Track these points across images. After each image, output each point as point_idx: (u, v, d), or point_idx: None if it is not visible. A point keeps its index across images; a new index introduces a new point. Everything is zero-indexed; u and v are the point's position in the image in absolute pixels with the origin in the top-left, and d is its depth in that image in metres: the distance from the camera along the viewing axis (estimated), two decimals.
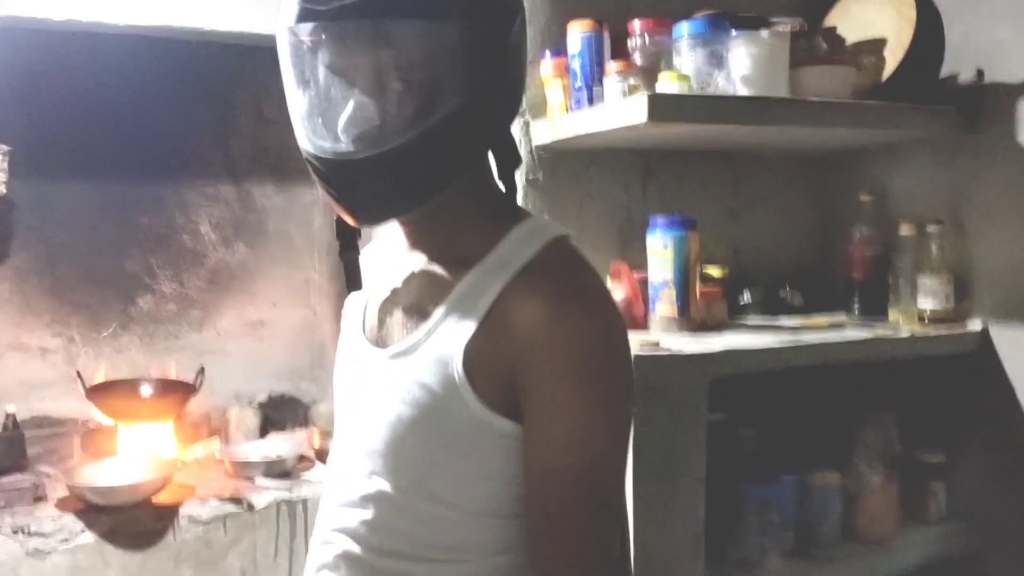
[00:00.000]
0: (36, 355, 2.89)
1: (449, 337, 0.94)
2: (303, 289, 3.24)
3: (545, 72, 1.87)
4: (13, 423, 2.63)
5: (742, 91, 1.70)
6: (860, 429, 1.87)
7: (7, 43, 2.49)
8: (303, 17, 0.90)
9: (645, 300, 1.81)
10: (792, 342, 1.67)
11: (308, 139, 0.94)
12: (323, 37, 0.90)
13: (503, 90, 0.95)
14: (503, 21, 0.92)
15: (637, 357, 1.52)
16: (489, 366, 0.91)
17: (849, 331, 1.81)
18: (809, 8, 2.07)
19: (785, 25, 1.84)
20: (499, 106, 0.96)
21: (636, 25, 1.80)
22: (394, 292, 1.06)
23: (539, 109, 1.90)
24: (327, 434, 2.50)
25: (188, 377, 2.85)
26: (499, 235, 0.97)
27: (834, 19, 2.07)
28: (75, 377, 2.76)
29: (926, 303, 1.89)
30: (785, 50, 1.73)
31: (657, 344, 1.59)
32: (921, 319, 1.89)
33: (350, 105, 0.90)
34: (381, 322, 1.05)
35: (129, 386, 2.72)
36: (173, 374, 2.90)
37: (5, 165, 2.54)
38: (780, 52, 1.72)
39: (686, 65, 1.74)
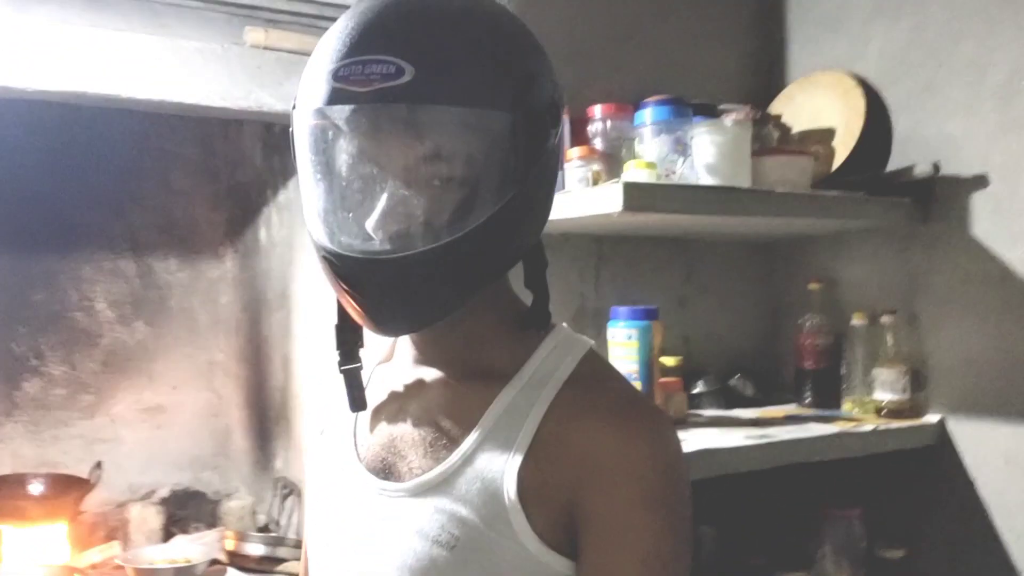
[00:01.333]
0: None
1: (494, 464, 0.83)
2: (207, 371, 3.06)
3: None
4: None
5: (706, 179, 1.67)
6: (824, 526, 1.83)
7: None
8: (336, 99, 0.78)
9: None
10: (761, 440, 1.62)
11: (329, 235, 0.83)
12: (359, 123, 0.79)
13: (546, 188, 0.88)
14: (552, 113, 0.84)
15: None
16: (545, 495, 0.82)
17: (813, 425, 1.77)
18: (753, 95, 2.08)
19: (742, 113, 1.84)
20: (540, 206, 0.88)
21: (597, 110, 1.76)
22: (402, 412, 0.92)
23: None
24: (241, 536, 2.31)
25: (81, 470, 2.62)
26: (530, 346, 0.89)
27: (779, 107, 2.08)
28: None
29: (882, 394, 1.88)
30: (747, 139, 1.71)
31: None
32: (878, 411, 1.88)
33: (384, 199, 0.80)
34: (387, 447, 0.92)
35: (16, 482, 2.48)
36: (65, 468, 2.67)
37: None
38: (742, 140, 1.70)
39: (649, 152, 1.70)
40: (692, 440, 1.60)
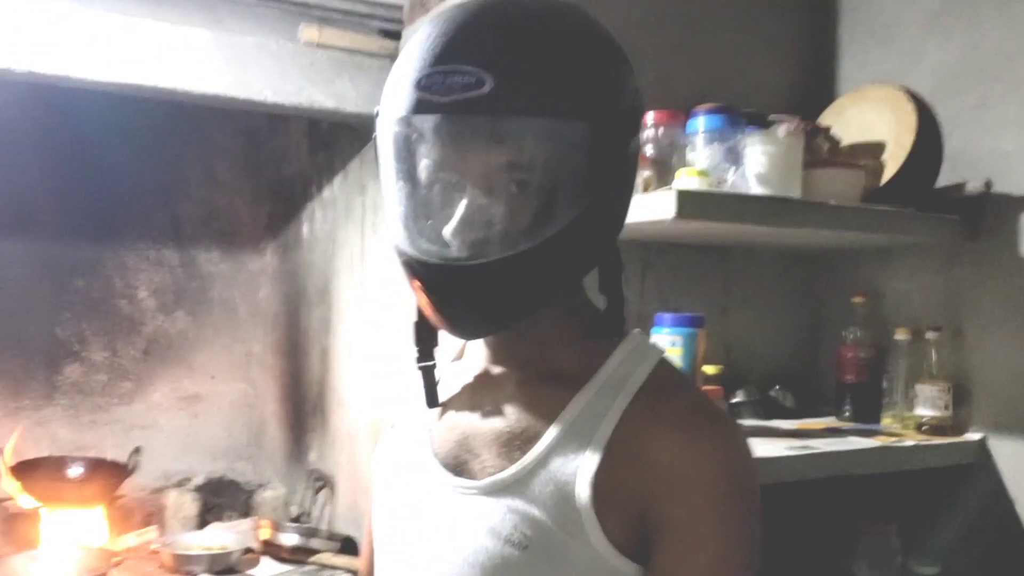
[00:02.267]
0: None
1: (568, 467, 0.83)
2: (244, 362, 3.08)
3: None
4: None
5: (756, 189, 1.67)
6: (860, 540, 1.81)
7: None
8: (418, 108, 0.80)
9: None
10: (803, 451, 1.61)
11: (410, 241, 0.84)
12: (439, 132, 0.80)
13: (623, 195, 0.89)
14: (631, 120, 0.86)
15: None
16: (619, 500, 0.82)
17: (853, 439, 1.76)
18: (802, 106, 2.06)
19: (794, 123, 1.83)
20: (617, 212, 0.89)
21: (648, 117, 1.75)
22: (475, 410, 0.92)
23: None
24: (276, 525, 2.33)
25: (118, 456, 2.65)
26: (605, 351, 0.89)
27: (829, 119, 2.07)
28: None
29: (924, 411, 1.86)
30: (799, 149, 1.70)
31: None
32: (919, 427, 1.86)
33: (463, 206, 0.81)
34: (461, 445, 0.92)
35: (55, 465, 2.51)
36: (102, 453, 2.70)
37: None
38: (794, 151, 1.70)
39: (701, 160, 1.69)
40: None
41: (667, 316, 1.72)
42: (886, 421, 1.93)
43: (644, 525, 0.82)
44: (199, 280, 3.01)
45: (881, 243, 1.97)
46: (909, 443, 1.76)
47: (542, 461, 0.85)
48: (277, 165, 3.02)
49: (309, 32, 2.24)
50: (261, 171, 3.01)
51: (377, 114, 0.86)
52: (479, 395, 0.94)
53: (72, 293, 2.81)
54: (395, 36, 2.32)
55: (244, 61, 2.15)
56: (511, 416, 0.90)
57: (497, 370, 0.94)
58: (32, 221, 2.73)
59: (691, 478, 0.81)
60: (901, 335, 1.92)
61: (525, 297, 0.84)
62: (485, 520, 0.85)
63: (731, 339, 2.05)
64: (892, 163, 1.90)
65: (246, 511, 2.65)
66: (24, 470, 2.40)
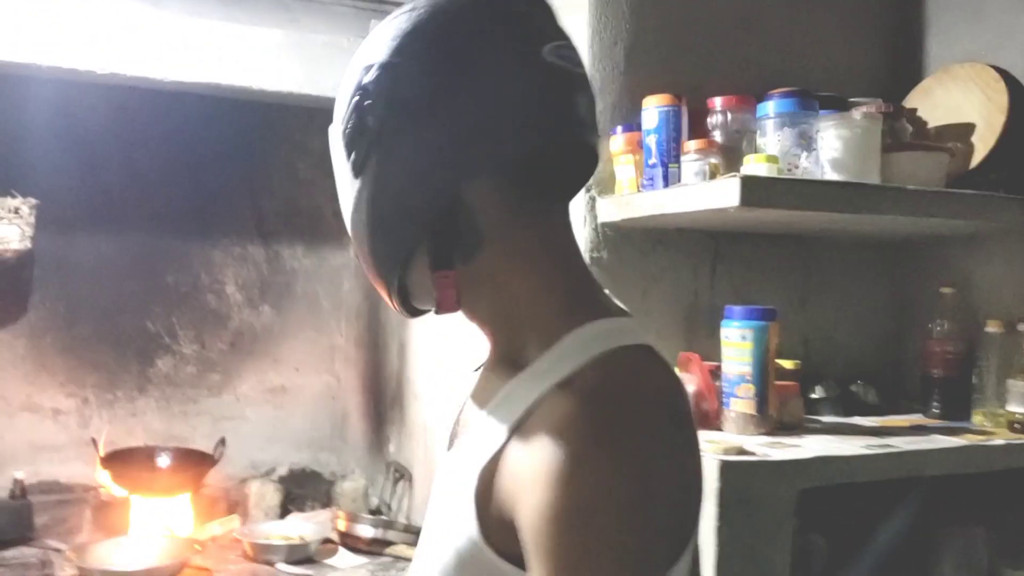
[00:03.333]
0: (48, 416, 2.76)
1: (476, 456, 0.78)
2: (328, 355, 3.11)
3: (615, 147, 1.75)
4: (21, 490, 2.48)
5: (831, 175, 1.58)
6: (944, 543, 1.71)
7: (39, 93, 2.39)
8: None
9: (718, 395, 1.67)
10: (881, 450, 1.52)
11: None
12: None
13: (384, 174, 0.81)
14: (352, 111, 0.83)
15: (723, 463, 1.38)
16: (496, 498, 0.75)
17: (938, 437, 1.66)
18: (885, 89, 1.95)
19: (872, 106, 1.74)
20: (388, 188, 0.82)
21: (717, 102, 1.68)
22: (472, 396, 0.91)
23: (607, 185, 1.77)
24: (353, 517, 2.33)
25: (206, 446, 2.70)
26: (559, 335, 0.78)
27: (914, 101, 1.95)
28: (87, 441, 2.62)
29: (1017, 407, 1.74)
30: (877, 133, 1.61)
31: (741, 449, 1.44)
32: (1011, 425, 1.74)
33: None
34: (458, 426, 0.93)
35: (145, 455, 2.58)
36: (192, 443, 2.76)
37: (32, 219, 2.42)
38: (872, 135, 1.60)
39: (771, 145, 1.62)
40: (808, 446, 1.51)
41: (736, 309, 1.65)
42: (976, 418, 1.82)
43: (514, 529, 0.73)
44: (284, 275, 3.05)
45: (969, 229, 1.85)
46: (999, 442, 1.65)
47: (464, 451, 0.81)
48: None
49: None
50: None
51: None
52: (480, 380, 0.92)
53: (162, 288, 2.87)
54: None
55: (316, 59, 2.16)
56: (470, 407, 0.89)
57: (490, 356, 0.91)
58: (123, 218, 2.80)
59: (537, 484, 0.70)
60: (992, 327, 1.80)
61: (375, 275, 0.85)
62: (439, 498, 0.86)
63: (809, 332, 1.96)
64: (982, 145, 1.79)
65: (327, 502, 2.67)
66: (115, 460, 2.47)
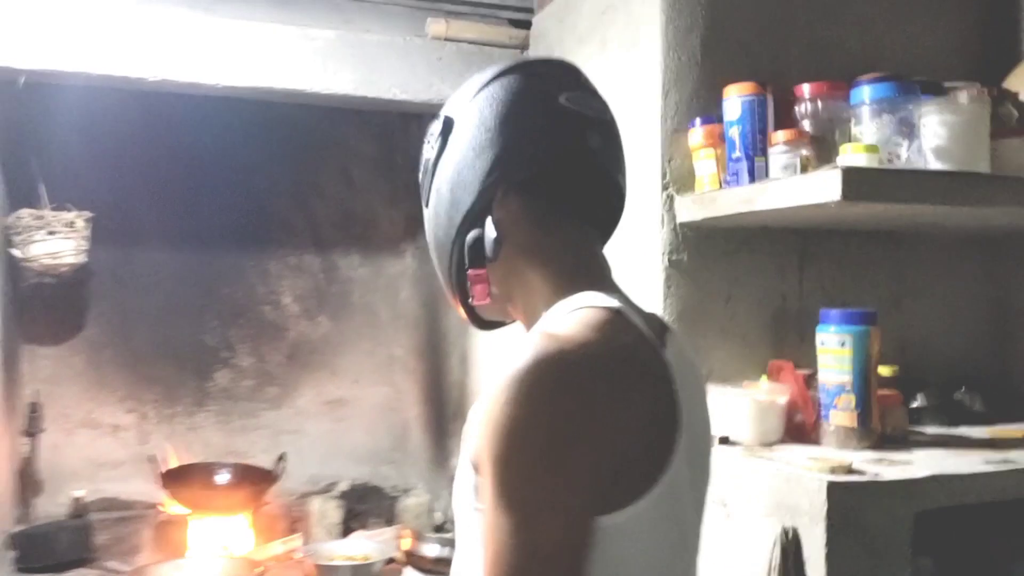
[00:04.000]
0: (107, 432, 2.70)
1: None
2: (386, 365, 3.02)
3: (694, 141, 1.62)
4: (81, 509, 2.42)
5: (935, 165, 1.43)
6: None
7: (91, 104, 2.33)
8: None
9: (815, 406, 1.53)
10: (1007, 465, 1.37)
11: None
12: None
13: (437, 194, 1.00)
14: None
15: (831, 485, 1.24)
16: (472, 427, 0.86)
17: None
18: (980, 71, 1.80)
19: (975, 89, 1.58)
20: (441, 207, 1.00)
21: (805, 89, 1.55)
22: None
23: (685, 182, 1.64)
24: (418, 535, 2.23)
25: (266, 461, 2.62)
26: (544, 309, 0.93)
27: (1016, 83, 1.79)
28: (147, 457, 2.55)
29: None
30: (986, 119, 1.46)
31: (848, 467, 1.30)
32: None
33: None
34: None
35: (204, 472, 2.50)
36: (252, 458, 2.69)
37: (87, 233, 2.36)
38: (980, 120, 1.45)
39: (868, 134, 1.47)
40: (920, 463, 1.37)
41: (833, 312, 1.51)
42: None
43: None
44: (340, 285, 2.97)
45: None
46: None
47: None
48: (413, 165, 2.92)
49: (437, 26, 2.13)
50: (396, 172, 2.93)
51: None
52: None
53: (218, 301, 2.80)
54: (524, 25, 2.19)
55: (371, 59, 2.07)
56: None
57: None
58: (178, 230, 2.74)
59: (477, 427, 0.82)
60: None
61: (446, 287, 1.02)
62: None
63: (906, 336, 1.80)
64: None
65: (390, 517, 2.57)
66: (173, 477, 2.39)
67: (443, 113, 1.00)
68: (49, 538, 2.26)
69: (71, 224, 2.33)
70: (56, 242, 2.32)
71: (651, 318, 0.93)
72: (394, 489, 2.89)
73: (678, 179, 1.64)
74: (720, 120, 1.58)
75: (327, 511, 2.42)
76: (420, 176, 1.04)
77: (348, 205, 2.95)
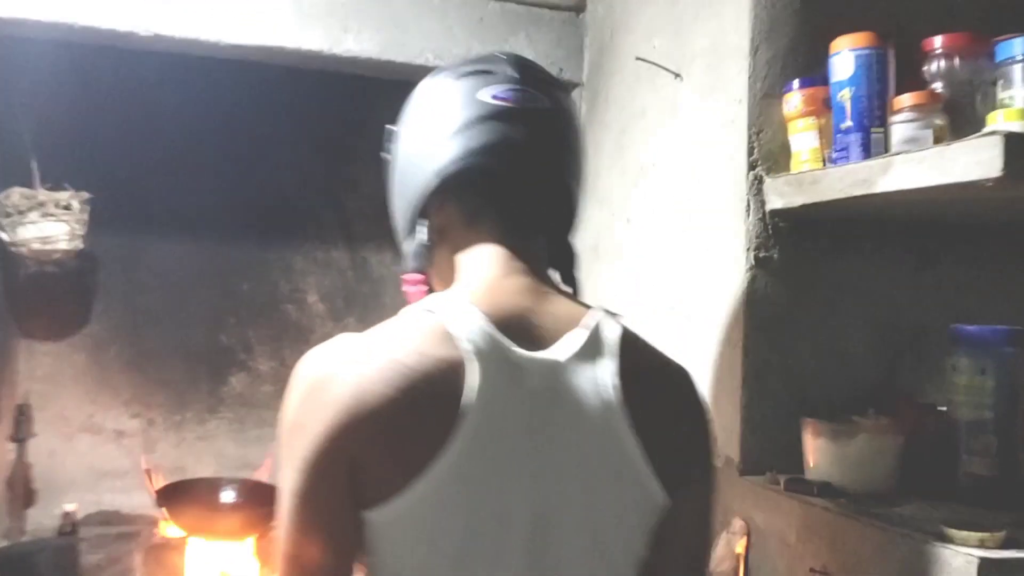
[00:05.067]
0: (110, 438, 2.48)
1: None
2: None
3: (790, 108, 1.29)
4: (71, 526, 2.16)
5: None
6: None
7: (93, 66, 2.07)
8: None
9: (948, 451, 1.18)
10: None
11: None
12: None
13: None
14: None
15: (982, 562, 0.90)
16: None
17: None
18: None
19: None
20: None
21: (937, 42, 1.20)
22: None
23: (776, 160, 1.31)
24: None
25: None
26: None
27: None
28: (153, 466, 2.31)
29: None
30: None
31: (1002, 538, 0.96)
32: None
33: None
34: None
35: (207, 489, 2.22)
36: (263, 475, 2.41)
37: (85, 216, 2.10)
38: None
39: (1022, 98, 1.13)
40: None
41: (968, 331, 1.16)
42: None
43: None
44: (370, 284, 2.71)
45: None
46: None
47: None
48: None
49: None
50: None
51: None
52: None
53: (237, 297, 2.55)
54: None
55: (400, 19, 1.77)
56: None
57: None
58: (195, 221, 2.50)
59: None
60: None
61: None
62: None
63: None
64: None
65: None
66: (172, 495, 2.12)
67: (390, 125, 1.03)
68: (28, 558, 2.00)
69: (66, 206, 2.07)
70: (48, 225, 2.06)
71: (538, 322, 0.88)
72: None
73: (768, 155, 1.30)
74: (825, 82, 1.25)
75: None
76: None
77: (382, 196, 2.66)
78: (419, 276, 0.97)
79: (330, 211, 2.64)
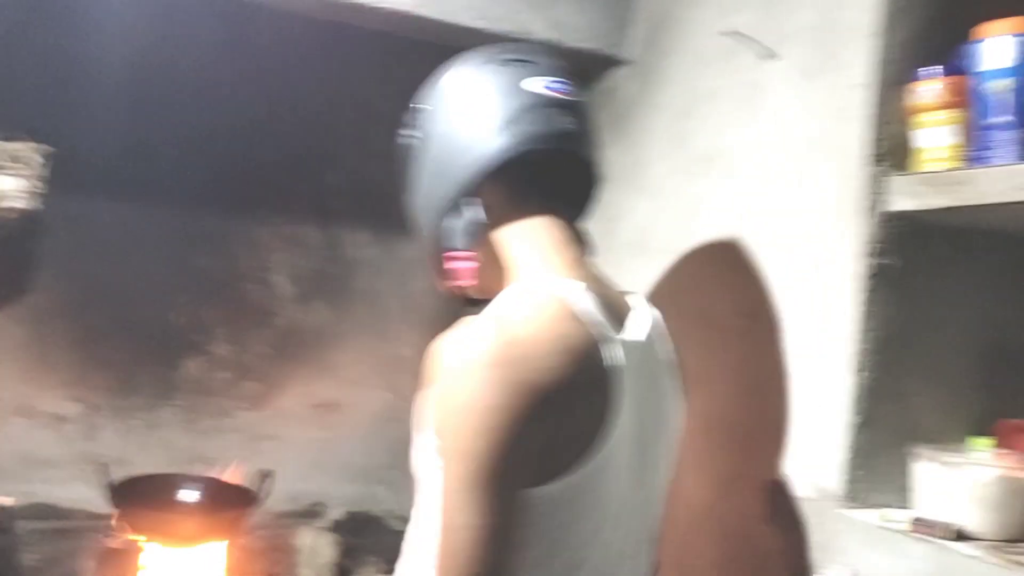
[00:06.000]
0: (47, 424, 2.21)
1: None
2: (391, 367, 2.55)
3: (924, 98, 1.14)
4: (7, 523, 1.88)
5: None
6: None
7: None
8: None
9: None
10: None
11: None
12: None
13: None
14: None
15: None
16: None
17: None
18: None
19: None
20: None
21: None
22: None
23: (900, 157, 1.16)
24: None
25: (242, 470, 2.11)
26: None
27: None
28: (94, 456, 2.06)
29: None
30: None
31: None
32: None
33: None
34: None
35: (165, 486, 1.98)
36: (222, 465, 2.18)
37: (46, 172, 1.82)
38: None
39: None
40: None
41: None
42: None
43: None
44: (343, 265, 2.48)
45: None
46: None
47: None
48: None
49: None
50: None
51: None
52: None
53: (192, 272, 2.30)
54: None
55: None
56: None
57: None
58: (150, 183, 2.22)
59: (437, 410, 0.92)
60: None
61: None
62: None
63: None
64: None
65: (392, 557, 2.06)
66: (125, 492, 1.87)
67: (418, 101, 1.08)
68: None
69: (24, 159, 1.79)
70: (3, 180, 1.78)
71: (615, 300, 0.99)
72: (388, 513, 2.41)
73: (891, 151, 1.15)
74: (964, 71, 1.10)
75: (319, 548, 1.90)
76: (400, 161, 1.10)
77: (361, 173, 2.45)
78: (468, 252, 1.01)
79: (304, 185, 2.41)
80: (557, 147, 1.01)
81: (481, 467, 0.84)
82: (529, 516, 0.87)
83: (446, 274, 1.06)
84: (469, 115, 1.00)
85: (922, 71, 1.14)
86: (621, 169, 1.62)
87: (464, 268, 1.02)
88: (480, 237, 1.01)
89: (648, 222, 1.55)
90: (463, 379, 0.86)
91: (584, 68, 1.72)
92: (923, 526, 1.05)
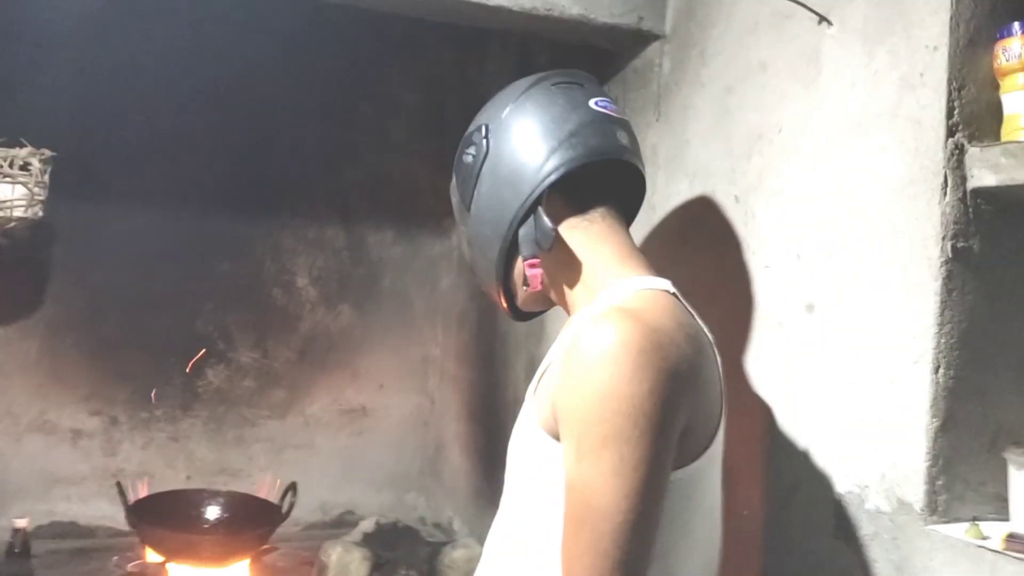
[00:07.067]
0: (66, 439, 2.18)
1: (537, 374, 1.05)
2: (420, 369, 2.48)
3: (1008, 60, 1.00)
4: (22, 543, 1.81)
5: None
6: None
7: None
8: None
9: None
10: None
11: None
12: None
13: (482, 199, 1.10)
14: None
15: None
16: (545, 392, 0.99)
17: None
18: None
19: None
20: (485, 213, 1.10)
21: None
22: None
23: (980, 127, 1.02)
24: None
25: (267, 481, 2.04)
26: (601, 290, 1.03)
27: None
28: (114, 472, 2.07)
29: None
30: None
31: None
32: None
33: None
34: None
35: (190, 504, 1.89)
36: (247, 477, 2.11)
37: (45, 178, 1.73)
38: None
39: None
40: None
41: None
42: None
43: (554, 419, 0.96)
44: (368, 266, 2.42)
45: None
46: None
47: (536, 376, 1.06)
48: (465, 123, 2.32)
49: None
50: (445, 131, 2.29)
51: None
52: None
53: (216, 279, 2.26)
54: None
55: None
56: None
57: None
58: (168, 190, 2.19)
59: (561, 397, 0.93)
60: None
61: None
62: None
63: None
64: None
65: (428, 571, 1.95)
66: (147, 511, 1.77)
67: (479, 122, 1.11)
68: None
69: (24, 166, 1.70)
70: (3, 187, 1.69)
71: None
72: (421, 521, 2.32)
73: (973, 119, 1.02)
74: None
75: (350, 565, 1.78)
76: (458, 180, 1.12)
77: (383, 170, 2.37)
78: (538, 261, 1.06)
79: (326, 185, 2.33)
80: (617, 158, 1.08)
81: (634, 452, 0.85)
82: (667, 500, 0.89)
83: (522, 281, 1.09)
84: (536, 131, 1.05)
85: (1004, 28, 1.00)
86: (660, 152, 1.50)
87: (536, 274, 1.05)
88: (552, 244, 1.04)
89: (691, 207, 1.42)
90: (608, 366, 0.86)
91: (616, 45, 1.59)
92: (1018, 543, 0.92)
